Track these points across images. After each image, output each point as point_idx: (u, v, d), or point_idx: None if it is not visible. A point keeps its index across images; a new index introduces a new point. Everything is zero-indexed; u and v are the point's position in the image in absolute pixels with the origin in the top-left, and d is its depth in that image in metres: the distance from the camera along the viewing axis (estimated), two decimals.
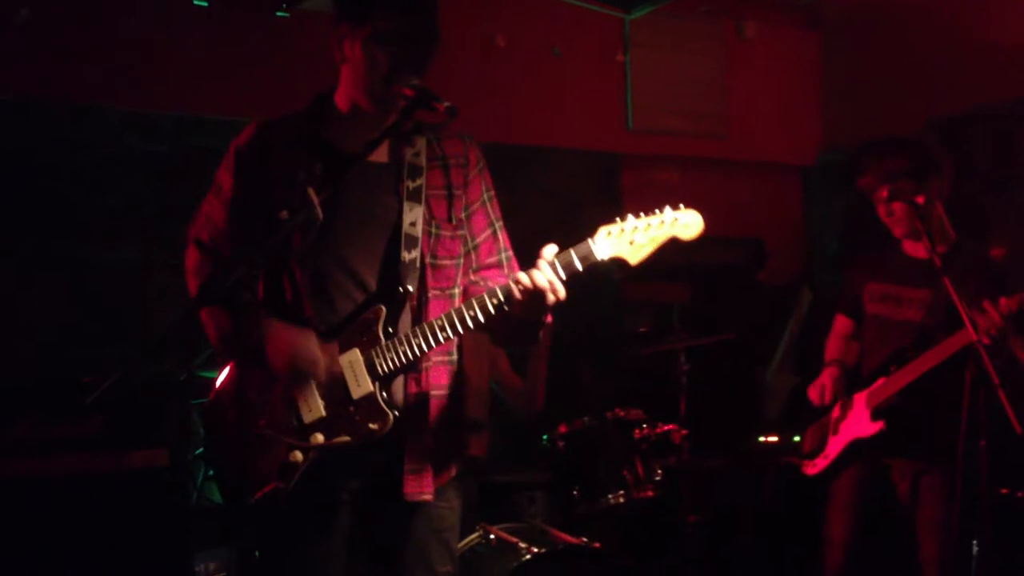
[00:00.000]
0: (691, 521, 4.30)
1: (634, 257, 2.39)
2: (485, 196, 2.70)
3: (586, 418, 4.25)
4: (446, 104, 2.41)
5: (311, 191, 2.35)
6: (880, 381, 3.68)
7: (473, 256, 2.67)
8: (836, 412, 3.84)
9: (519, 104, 5.78)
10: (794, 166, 6.92)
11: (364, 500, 2.58)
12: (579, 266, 2.39)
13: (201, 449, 4.24)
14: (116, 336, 4.57)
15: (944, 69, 6.08)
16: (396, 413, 2.45)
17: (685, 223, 2.39)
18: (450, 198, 2.61)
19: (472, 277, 2.66)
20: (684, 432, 4.28)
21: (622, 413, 4.29)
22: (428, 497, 2.55)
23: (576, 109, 5.99)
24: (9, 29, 4.50)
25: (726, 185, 6.55)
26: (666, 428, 4.27)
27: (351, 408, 2.45)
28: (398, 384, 2.52)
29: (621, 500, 4.10)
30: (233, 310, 2.53)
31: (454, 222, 2.61)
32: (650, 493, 4.13)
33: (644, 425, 4.27)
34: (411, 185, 2.54)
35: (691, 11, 6.35)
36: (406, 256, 2.50)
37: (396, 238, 2.51)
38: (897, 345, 3.66)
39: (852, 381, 3.87)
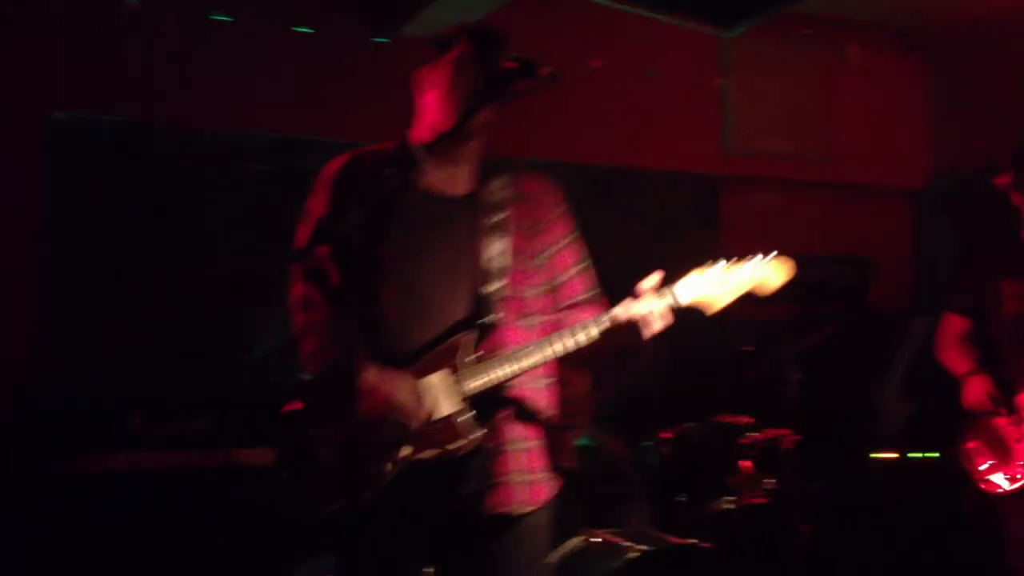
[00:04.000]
0: (804, 530, 4.10)
1: (714, 305, 2.45)
2: (567, 239, 2.74)
3: (691, 423, 4.13)
4: (548, 70, 2.45)
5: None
6: None
7: (559, 294, 2.70)
8: (1003, 421, 3.67)
9: (613, 125, 5.76)
10: (904, 190, 6.74)
11: (457, 518, 2.58)
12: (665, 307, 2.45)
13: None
14: (220, 348, 4.66)
15: None
16: (480, 432, 2.49)
17: (770, 274, 2.47)
18: (529, 232, 2.65)
19: (558, 315, 2.69)
20: (795, 438, 4.11)
21: (728, 419, 4.16)
22: (513, 511, 2.58)
23: (671, 130, 5.95)
24: (118, 53, 4.69)
25: (831, 208, 6.41)
26: (775, 433, 4.11)
27: (435, 426, 2.50)
28: (485, 405, 2.54)
29: (730, 506, 3.97)
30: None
31: (532, 254, 2.65)
32: (760, 499, 3.98)
33: (752, 431, 4.13)
34: (493, 219, 2.60)
35: (791, 34, 6.29)
36: (488, 289, 2.55)
37: (477, 271, 2.57)
38: None
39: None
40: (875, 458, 4.84)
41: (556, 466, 3.81)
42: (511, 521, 2.58)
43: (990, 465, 3.67)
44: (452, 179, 2.62)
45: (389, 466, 2.49)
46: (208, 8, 4.88)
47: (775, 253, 2.47)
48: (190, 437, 3.93)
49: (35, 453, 3.86)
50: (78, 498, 3.77)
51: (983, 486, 3.68)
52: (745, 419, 4.24)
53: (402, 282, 2.54)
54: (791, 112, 6.36)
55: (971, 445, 3.76)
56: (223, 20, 4.89)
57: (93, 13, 4.68)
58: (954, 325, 3.93)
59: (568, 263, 2.71)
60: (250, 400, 4.06)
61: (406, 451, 2.49)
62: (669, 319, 2.45)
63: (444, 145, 2.55)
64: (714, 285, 2.43)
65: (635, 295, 2.46)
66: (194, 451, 3.90)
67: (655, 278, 2.47)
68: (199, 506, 3.86)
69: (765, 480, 4.06)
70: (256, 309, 4.75)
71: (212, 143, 4.90)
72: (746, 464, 4.08)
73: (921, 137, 6.79)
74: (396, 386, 2.49)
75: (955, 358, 3.90)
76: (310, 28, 5.11)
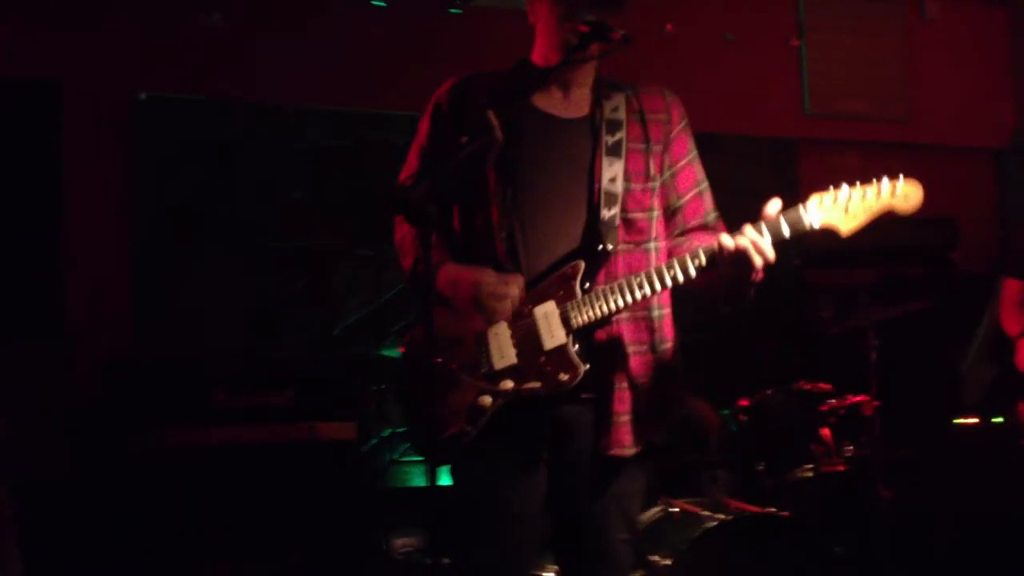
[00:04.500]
0: (884, 496, 4.08)
1: (847, 226, 2.34)
2: (691, 155, 2.65)
3: (769, 391, 4.12)
4: (621, 33, 2.42)
5: (491, 114, 2.37)
6: None
7: (679, 217, 2.62)
8: None
9: (690, 90, 5.63)
10: (986, 149, 6.57)
11: (557, 455, 2.53)
12: (786, 233, 2.35)
13: (388, 431, 4.36)
14: (302, 322, 4.76)
15: None
16: (587, 367, 2.42)
17: (905, 194, 2.35)
18: (647, 152, 2.57)
19: (677, 239, 2.61)
20: (876, 404, 4.07)
21: (808, 386, 4.14)
22: (627, 452, 2.49)
23: (750, 94, 5.86)
24: (198, 31, 4.78)
25: (911, 169, 6.05)
26: (856, 400, 4.08)
27: (542, 358, 2.43)
28: (592, 338, 2.47)
29: (809, 474, 3.96)
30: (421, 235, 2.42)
31: (649, 175, 2.56)
32: (840, 467, 3.97)
33: (832, 398, 4.10)
34: (610, 140, 2.53)
35: None
36: (605, 214, 2.47)
37: (595, 194, 2.50)
38: None
39: None
40: (958, 423, 4.76)
41: (647, 440, 3.77)
42: (624, 463, 2.51)
43: None
44: (568, 102, 2.58)
45: (488, 399, 2.43)
46: None
47: (902, 175, 2.38)
48: (272, 411, 3.99)
49: (121, 427, 3.95)
50: (162, 472, 3.86)
51: None
52: (824, 386, 4.21)
53: (515, 206, 2.48)
54: (871, 72, 6.23)
55: (1021, 407, 3.68)
56: None
57: None
58: (1013, 288, 3.88)
59: (689, 183, 2.63)
60: (332, 374, 4.16)
61: (507, 384, 2.43)
62: (768, 250, 2.33)
63: (556, 72, 2.50)
64: (843, 207, 2.33)
65: (760, 219, 2.36)
66: (276, 425, 3.95)
67: (775, 205, 2.36)
68: (281, 480, 3.91)
69: (845, 447, 4.04)
70: (337, 283, 4.84)
71: (290, 118, 4.97)
72: (826, 431, 4.06)
73: (1003, 94, 6.60)
74: (478, 272, 2.44)
75: (1011, 320, 3.81)
76: (384, 1, 5.14)
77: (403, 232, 2.63)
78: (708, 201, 2.66)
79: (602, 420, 2.48)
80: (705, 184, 2.66)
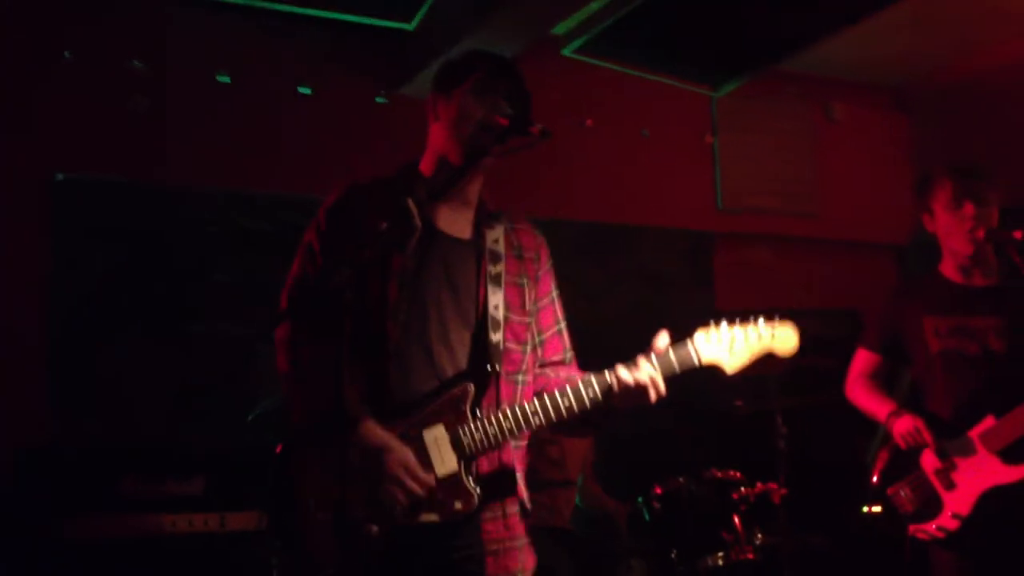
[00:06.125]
0: None
1: (731, 365, 2.47)
2: (553, 294, 2.72)
3: (681, 479, 4.20)
4: (540, 127, 2.44)
5: (410, 202, 2.38)
6: (989, 421, 3.39)
7: (539, 350, 2.67)
8: (930, 461, 3.48)
9: (608, 184, 5.88)
10: (888, 245, 6.86)
11: None
12: (677, 368, 2.45)
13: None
14: (220, 406, 4.68)
15: None
16: (479, 493, 2.40)
17: (782, 338, 2.50)
18: (522, 288, 2.62)
19: (538, 370, 2.65)
20: (784, 492, 4.19)
21: (719, 474, 4.23)
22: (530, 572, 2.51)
23: (665, 188, 6.08)
24: (118, 113, 4.77)
25: (819, 264, 6.53)
26: (765, 488, 4.18)
27: (437, 485, 2.39)
28: (480, 464, 2.46)
29: (720, 562, 4.03)
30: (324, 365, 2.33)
31: (525, 310, 2.61)
32: (751, 555, 4.05)
33: (742, 486, 4.20)
34: (492, 270, 2.56)
35: (778, 93, 6.44)
36: (493, 337, 2.49)
37: (483, 319, 2.51)
38: (984, 380, 3.42)
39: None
40: (864, 512, 4.87)
41: (552, 526, 3.82)
42: None
43: (919, 511, 3.51)
44: (456, 220, 2.57)
45: (375, 528, 2.34)
46: (212, 70, 5.00)
47: (777, 317, 2.52)
48: (183, 500, 3.91)
49: (30, 515, 3.82)
50: (67, 562, 3.74)
51: (911, 531, 3.51)
52: (735, 473, 4.31)
53: (407, 320, 2.45)
54: (781, 170, 6.50)
55: (897, 490, 3.62)
56: (225, 82, 5.00)
57: (96, 75, 4.76)
58: (865, 361, 3.86)
59: (551, 320, 2.69)
60: (244, 461, 4.08)
61: (403, 516, 2.35)
62: (662, 386, 2.41)
63: (450, 180, 2.47)
64: (727, 347, 2.45)
65: (647, 354, 2.42)
66: (186, 515, 3.87)
67: (664, 340, 2.44)
68: (192, 572, 3.83)
69: (756, 535, 4.12)
70: (255, 368, 4.78)
71: (215, 203, 4.96)
72: (736, 519, 4.15)
73: (904, 193, 6.90)
74: (397, 456, 2.34)
75: (873, 398, 3.78)
76: (312, 89, 5.22)
77: (288, 328, 2.51)
78: (566, 339, 2.72)
79: (493, 544, 2.46)
80: (564, 324, 2.73)
